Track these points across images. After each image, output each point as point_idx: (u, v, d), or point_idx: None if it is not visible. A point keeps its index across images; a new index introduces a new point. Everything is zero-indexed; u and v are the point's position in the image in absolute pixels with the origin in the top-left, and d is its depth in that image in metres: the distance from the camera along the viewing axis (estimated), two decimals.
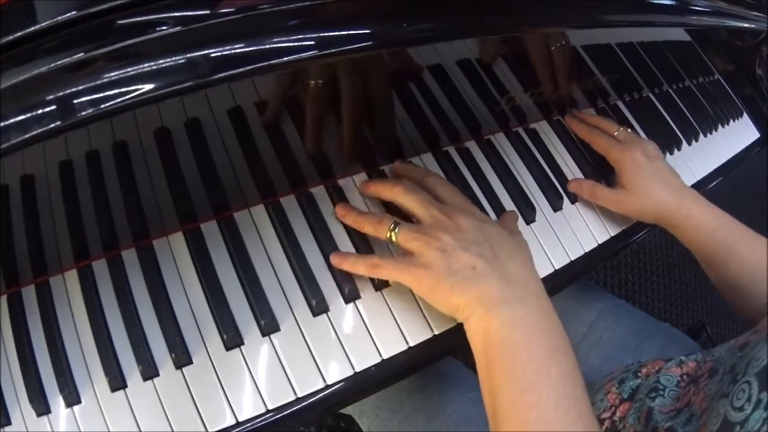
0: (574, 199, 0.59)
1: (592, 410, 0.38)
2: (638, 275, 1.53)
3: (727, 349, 0.48)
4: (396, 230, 0.44)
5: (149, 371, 0.41)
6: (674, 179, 0.58)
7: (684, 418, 0.44)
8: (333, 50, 0.34)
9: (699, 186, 0.71)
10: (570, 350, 0.40)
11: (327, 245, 0.47)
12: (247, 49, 0.32)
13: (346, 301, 0.46)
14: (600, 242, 0.58)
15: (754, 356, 0.37)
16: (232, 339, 0.42)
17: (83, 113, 0.29)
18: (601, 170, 0.63)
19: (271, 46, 0.33)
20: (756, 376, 0.35)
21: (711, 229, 0.55)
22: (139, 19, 0.31)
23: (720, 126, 0.83)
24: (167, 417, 0.40)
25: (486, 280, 0.41)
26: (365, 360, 0.44)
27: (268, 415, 0.41)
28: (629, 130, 0.62)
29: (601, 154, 0.61)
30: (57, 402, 0.40)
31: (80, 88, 0.29)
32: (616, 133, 0.61)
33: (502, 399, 0.38)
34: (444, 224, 0.43)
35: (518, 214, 0.54)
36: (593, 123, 0.64)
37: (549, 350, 0.39)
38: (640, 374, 0.56)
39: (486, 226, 0.45)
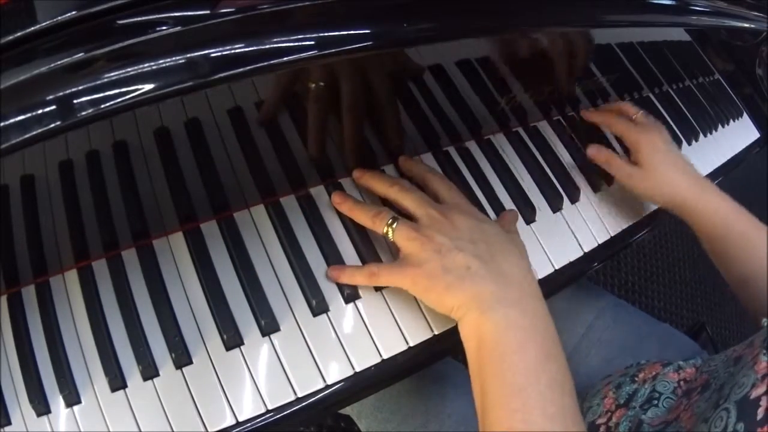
0: (574, 199, 0.59)
1: (580, 420, 0.38)
2: (638, 275, 1.53)
3: (723, 360, 0.48)
4: (394, 226, 0.44)
5: (149, 371, 0.41)
6: (689, 167, 0.58)
7: None
8: (333, 50, 0.34)
9: None
10: (562, 358, 0.40)
11: (327, 245, 0.47)
12: (247, 49, 0.32)
13: (346, 301, 0.46)
14: (600, 242, 0.58)
15: (737, 382, 0.37)
16: (232, 339, 0.42)
17: (83, 113, 0.29)
18: (600, 169, 0.63)
19: (271, 46, 0.33)
20: (736, 404, 0.35)
21: (725, 219, 0.54)
22: (139, 19, 0.31)
23: (720, 126, 0.83)
24: (167, 417, 0.40)
25: (480, 280, 0.41)
26: (365, 360, 0.44)
27: (268, 415, 0.41)
28: (648, 114, 0.62)
29: (618, 135, 0.61)
30: (57, 402, 0.40)
31: (80, 88, 0.29)
32: (635, 116, 0.61)
33: (491, 400, 0.38)
34: (440, 224, 0.43)
35: (518, 213, 0.54)
36: (612, 107, 0.64)
37: (540, 355, 0.39)
38: (637, 379, 0.56)
39: (483, 226, 0.45)
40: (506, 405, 0.37)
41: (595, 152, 0.60)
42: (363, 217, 0.46)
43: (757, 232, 0.54)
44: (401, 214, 0.46)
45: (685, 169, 0.57)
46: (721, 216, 0.54)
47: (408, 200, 0.46)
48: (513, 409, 0.37)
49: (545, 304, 0.42)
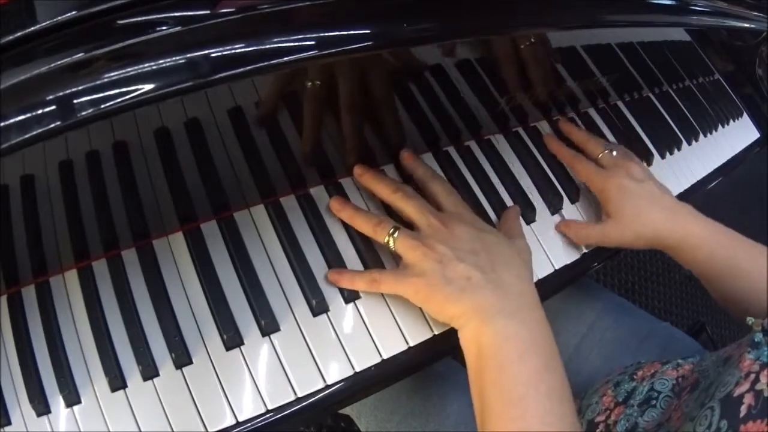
0: (574, 199, 0.59)
1: (578, 427, 0.38)
2: (638, 275, 1.53)
3: (714, 360, 0.48)
4: (395, 236, 0.44)
5: (149, 371, 0.41)
6: (665, 198, 0.54)
7: None
8: (333, 50, 0.34)
9: (699, 186, 0.71)
10: (560, 366, 0.40)
11: (327, 245, 0.47)
12: (247, 49, 0.32)
13: (346, 301, 0.46)
14: None
15: (723, 381, 0.37)
16: (232, 339, 0.42)
17: (83, 113, 0.29)
18: None
19: (271, 46, 0.33)
20: (720, 401, 0.35)
21: (709, 248, 0.52)
22: (139, 19, 0.31)
23: (720, 126, 0.83)
24: (167, 417, 0.40)
25: (481, 291, 0.41)
26: (365, 360, 0.44)
27: (268, 415, 0.41)
28: (614, 152, 0.58)
29: (583, 181, 0.58)
30: (57, 402, 0.40)
31: (80, 88, 0.29)
32: (600, 156, 0.58)
33: (490, 409, 0.39)
34: (442, 233, 0.44)
35: (519, 209, 0.54)
36: (578, 141, 0.61)
37: (539, 365, 0.39)
38: (635, 377, 0.56)
39: (484, 236, 0.45)
40: (505, 414, 0.38)
41: (565, 228, 0.56)
42: (364, 225, 0.46)
43: (741, 252, 0.52)
44: (400, 220, 0.47)
45: (657, 202, 0.53)
46: (704, 246, 0.52)
47: (410, 208, 0.46)
48: (511, 418, 0.37)
49: (544, 314, 0.43)
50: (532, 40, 0.52)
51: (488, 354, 0.40)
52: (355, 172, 0.50)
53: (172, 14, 0.31)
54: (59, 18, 0.30)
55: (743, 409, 0.33)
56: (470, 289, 0.41)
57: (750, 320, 0.42)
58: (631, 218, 0.53)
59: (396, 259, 0.47)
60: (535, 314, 0.42)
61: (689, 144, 0.76)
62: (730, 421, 0.33)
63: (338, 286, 0.46)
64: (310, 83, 0.41)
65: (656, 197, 0.54)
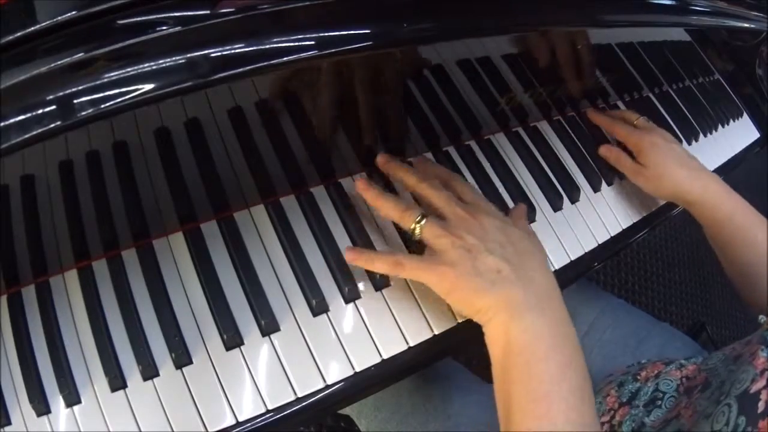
0: (574, 198, 0.59)
1: (598, 425, 0.38)
2: (638, 275, 1.53)
3: (722, 359, 0.48)
4: (422, 223, 0.43)
5: (149, 371, 0.41)
6: (692, 161, 0.60)
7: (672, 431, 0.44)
8: (333, 50, 0.34)
9: None
10: (583, 364, 0.40)
11: (327, 245, 0.47)
12: (247, 49, 0.32)
13: (346, 301, 0.46)
14: (600, 242, 0.58)
15: (737, 378, 0.37)
16: (232, 339, 0.42)
17: (83, 113, 0.29)
18: (601, 169, 0.63)
19: (271, 46, 0.33)
20: (736, 398, 0.36)
21: (728, 211, 0.56)
22: (139, 19, 0.31)
23: (720, 126, 0.83)
24: (167, 417, 0.40)
25: (510, 285, 0.41)
26: (365, 360, 0.44)
27: (268, 415, 0.41)
28: (648, 119, 0.65)
29: (620, 140, 0.64)
30: (57, 402, 0.40)
31: (80, 88, 0.29)
32: (636, 122, 0.64)
33: (516, 406, 0.39)
34: (468, 224, 0.43)
35: (526, 207, 0.54)
36: (616, 115, 0.68)
37: (563, 363, 0.39)
38: (639, 377, 0.56)
39: (509, 229, 0.44)
40: (531, 410, 0.38)
41: (606, 151, 0.63)
42: (391, 210, 0.45)
43: (757, 224, 0.55)
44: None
45: (687, 163, 0.59)
46: (723, 208, 0.56)
47: (437, 198, 0.45)
48: (538, 415, 0.37)
49: (566, 308, 0.42)
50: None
51: (515, 350, 0.39)
52: (379, 160, 0.49)
53: (172, 14, 0.31)
54: (59, 18, 0.30)
55: (761, 405, 0.34)
56: (500, 282, 0.40)
57: (762, 318, 0.43)
58: (660, 170, 0.59)
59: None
60: (559, 309, 0.42)
61: (689, 144, 0.76)
62: (749, 418, 0.34)
63: (354, 264, 0.45)
64: (323, 77, 0.41)
65: (682, 157, 0.60)
